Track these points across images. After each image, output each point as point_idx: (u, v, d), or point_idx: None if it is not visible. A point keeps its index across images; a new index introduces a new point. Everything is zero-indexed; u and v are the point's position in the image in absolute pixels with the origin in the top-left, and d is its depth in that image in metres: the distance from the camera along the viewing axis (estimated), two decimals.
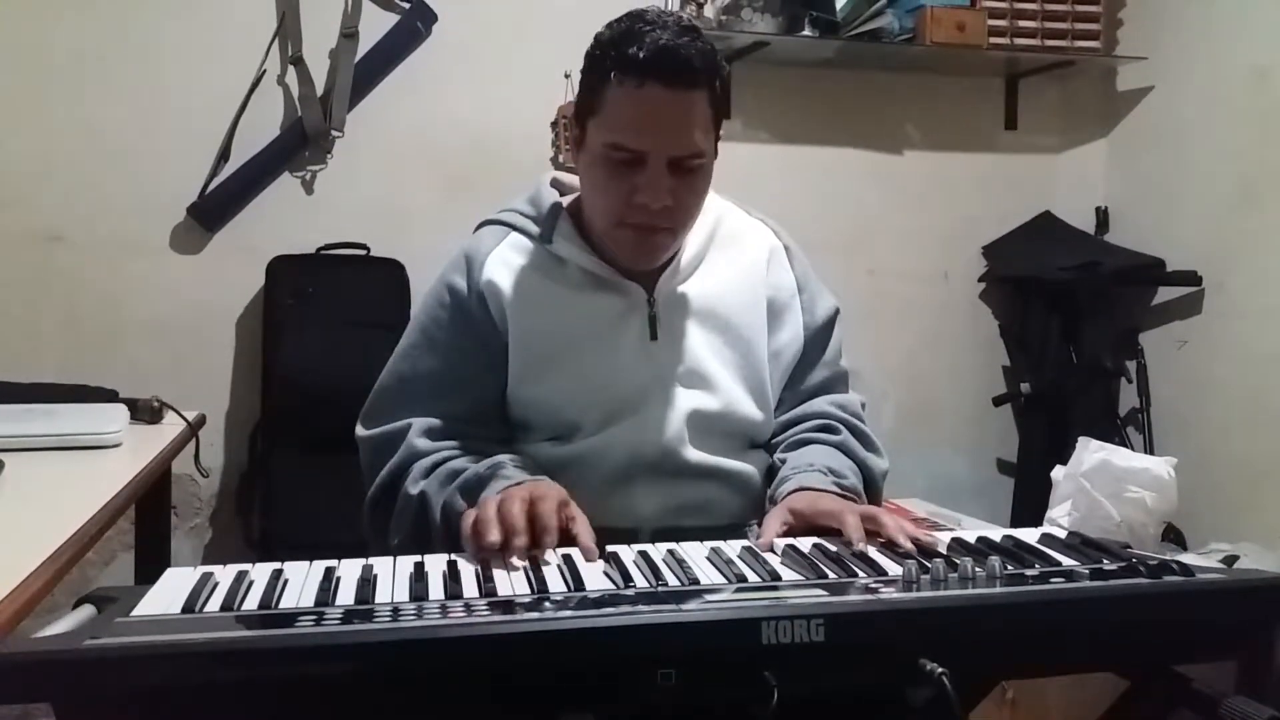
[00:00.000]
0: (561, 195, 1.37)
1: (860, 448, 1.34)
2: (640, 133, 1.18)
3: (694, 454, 1.28)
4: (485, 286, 1.29)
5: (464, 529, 1.07)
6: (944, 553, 1.02)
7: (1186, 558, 1.09)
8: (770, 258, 1.38)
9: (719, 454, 1.30)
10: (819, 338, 1.39)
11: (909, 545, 1.04)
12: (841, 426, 1.34)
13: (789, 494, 1.21)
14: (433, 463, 1.24)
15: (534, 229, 1.33)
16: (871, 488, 1.32)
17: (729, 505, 1.31)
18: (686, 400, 1.29)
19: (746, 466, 1.32)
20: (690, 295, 1.32)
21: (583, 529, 1.08)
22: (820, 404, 1.37)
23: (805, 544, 1.07)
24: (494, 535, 1.01)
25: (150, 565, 2.01)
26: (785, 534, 1.13)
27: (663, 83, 1.16)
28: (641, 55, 1.16)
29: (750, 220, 1.41)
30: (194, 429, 1.87)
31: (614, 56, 1.18)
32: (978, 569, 0.92)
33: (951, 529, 1.63)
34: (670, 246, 1.28)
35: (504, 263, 1.31)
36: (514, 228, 1.35)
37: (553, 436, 1.30)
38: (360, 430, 1.32)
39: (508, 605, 0.87)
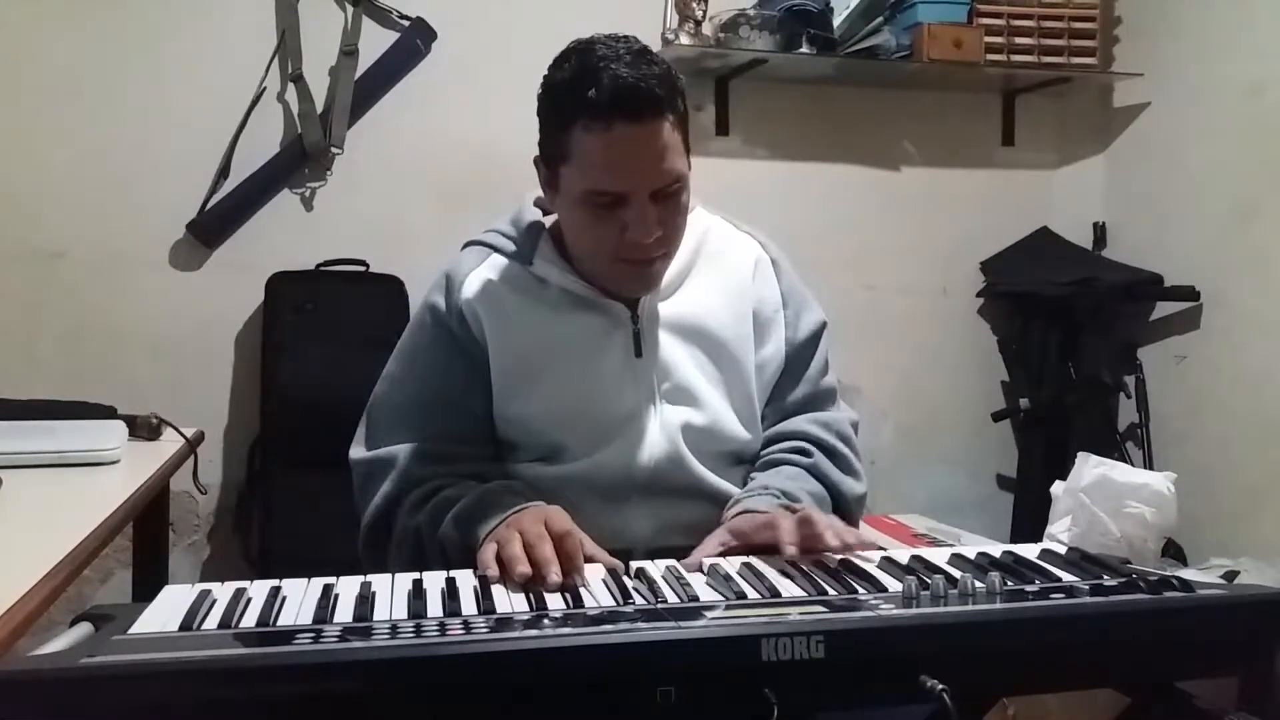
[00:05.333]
0: (545, 215, 1.36)
1: (833, 470, 1.31)
2: (619, 175, 1.17)
3: (688, 471, 1.27)
4: (465, 305, 1.29)
5: (481, 560, 1.05)
6: (870, 571, 1.02)
7: (1186, 573, 1.09)
8: (756, 270, 1.37)
9: (709, 472, 1.29)
10: (801, 354, 1.37)
11: (835, 543, 1.03)
12: (815, 448, 1.32)
13: (733, 516, 1.20)
14: (427, 492, 1.22)
15: (515, 250, 1.33)
16: (843, 511, 1.29)
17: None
18: (674, 417, 1.28)
19: (735, 487, 1.31)
20: (675, 311, 1.31)
21: (596, 551, 1.07)
22: (800, 423, 1.35)
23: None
24: (523, 568, 1.00)
25: (148, 582, 2.00)
26: (722, 554, 1.12)
27: (630, 120, 1.14)
28: (603, 97, 1.14)
29: (738, 233, 1.40)
30: (192, 446, 1.87)
31: (574, 101, 1.16)
32: (977, 585, 0.92)
33: (951, 544, 1.62)
34: (665, 270, 1.29)
35: (484, 283, 1.31)
36: (495, 249, 1.35)
37: (540, 457, 1.29)
38: (352, 454, 1.31)
39: (506, 623, 0.87)
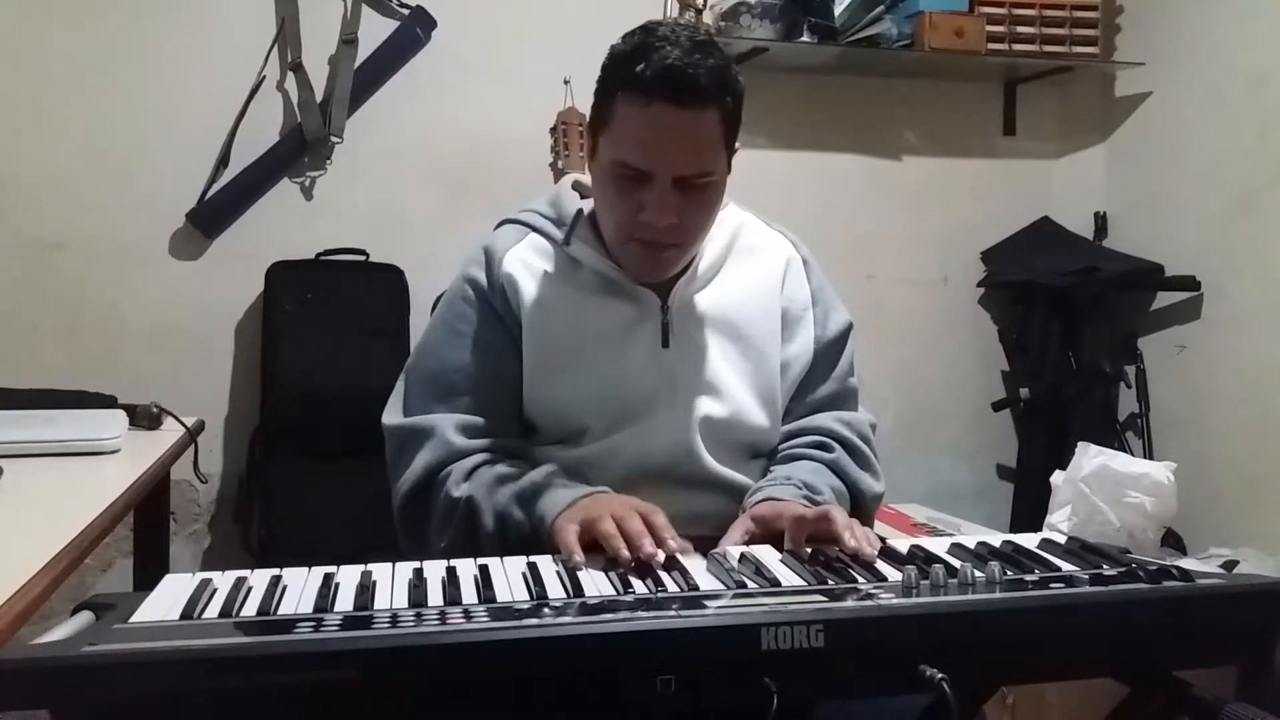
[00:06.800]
0: (583, 199, 1.37)
1: (854, 467, 1.32)
2: (646, 152, 1.18)
3: (701, 463, 1.28)
4: (505, 280, 1.30)
5: (565, 541, 1.05)
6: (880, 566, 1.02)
7: (1186, 563, 1.09)
8: (787, 269, 1.38)
9: (725, 464, 1.30)
10: (829, 352, 1.39)
11: (851, 545, 1.04)
12: (836, 444, 1.33)
13: (756, 504, 1.21)
14: (474, 465, 1.23)
15: (553, 230, 1.34)
16: (860, 508, 1.30)
17: (732, 516, 1.30)
18: (695, 408, 1.29)
19: (750, 480, 1.32)
20: (705, 304, 1.32)
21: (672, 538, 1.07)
22: (824, 419, 1.36)
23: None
24: (624, 553, 1.01)
25: (149, 571, 2.00)
26: (746, 543, 1.13)
27: (669, 102, 1.16)
28: (649, 74, 1.15)
29: (769, 232, 1.42)
30: (193, 435, 1.87)
31: (623, 73, 1.18)
32: (977, 574, 0.92)
33: (951, 534, 1.62)
34: (678, 262, 1.29)
35: (522, 261, 1.32)
36: (533, 228, 1.36)
37: (559, 439, 1.30)
38: (386, 420, 1.31)
39: (506, 611, 0.87)
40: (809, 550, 1.07)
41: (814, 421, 1.37)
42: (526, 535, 1.15)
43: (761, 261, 1.37)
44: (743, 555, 1.05)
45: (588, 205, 1.35)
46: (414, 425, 1.28)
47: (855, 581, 0.96)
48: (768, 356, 1.34)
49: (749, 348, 1.33)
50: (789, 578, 0.98)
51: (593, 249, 1.31)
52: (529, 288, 1.30)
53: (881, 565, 1.01)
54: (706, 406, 1.29)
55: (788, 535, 1.09)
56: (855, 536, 1.05)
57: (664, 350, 1.30)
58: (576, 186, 1.40)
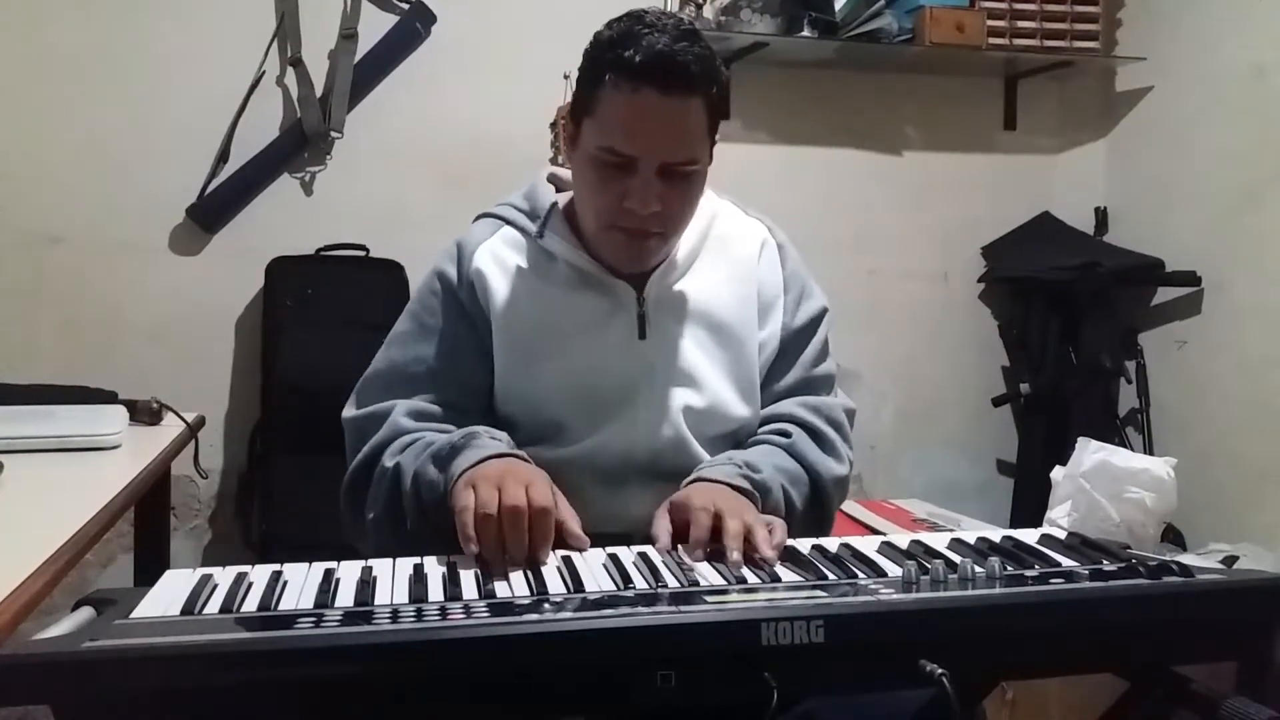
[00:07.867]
0: (558, 191, 1.37)
1: (813, 449, 1.29)
2: (632, 138, 1.18)
3: (685, 456, 1.27)
4: (474, 275, 1.30)
5: (458, 518, 1.05)
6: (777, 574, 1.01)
7: (1186, 558, 1.09)
8: (762, 254, 1.37)
9: (709, 455, 1.29)
10: (796, 340, 1.37)
11: (736, 558, 1.01)
12: (797, 428, 1.31)
13: (685, 485, 1.19)
14: (411, 439, 1.23)
15: (527, 223, 1.33)
16: (819, 491, 1.28)
17: None
18: (675, 399, 1.28)
19: None
20: (681, 294, 1.31)
21: (569, 517, 1.08)
22: (788, 405, 1.34)
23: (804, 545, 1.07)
24: (494, 556, 1.02)
25: (149, 567, 2.01)
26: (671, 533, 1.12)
27: (657, 89, 1.15)
28: (637, 59, 1.15)
29: (746, 219, 1.41)
30: (193, 430, 1.87)
31: (610, 58, 1.17)
32: (977, 570, 0.92)
33: (951, 529, 1.63)
34: (660, 251, 1.28)
35: (494, 255, 1.32)
36: (507, 221, 1.35)
37: (539, 437, 1.29)
38: (346, 412, 1.31)
39: (507, 607, 0.87)
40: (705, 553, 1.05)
41: (778, 408, 1.35)
42: (440, 496, 1.13)
43: (737, 248, 1.36)
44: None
45: (563, 198, 1.35)
46: (369, 414, 1.27)
47: (855, 577, 0.96)
48: (746, 345, 1.33)
49: (727, 337, 1.32)
50: (789, 573, 0.98)
51: (566, 241, 1.30)
52: (499, 283, 1.29)
53: (882, 560, 1.01)
54: (686, 398, 1.28)
55: (691, 536, 1.06)
56: (746, 544, 1.03)
57: (640, 342, 1.29)
58: (552, 179, 1.39)
